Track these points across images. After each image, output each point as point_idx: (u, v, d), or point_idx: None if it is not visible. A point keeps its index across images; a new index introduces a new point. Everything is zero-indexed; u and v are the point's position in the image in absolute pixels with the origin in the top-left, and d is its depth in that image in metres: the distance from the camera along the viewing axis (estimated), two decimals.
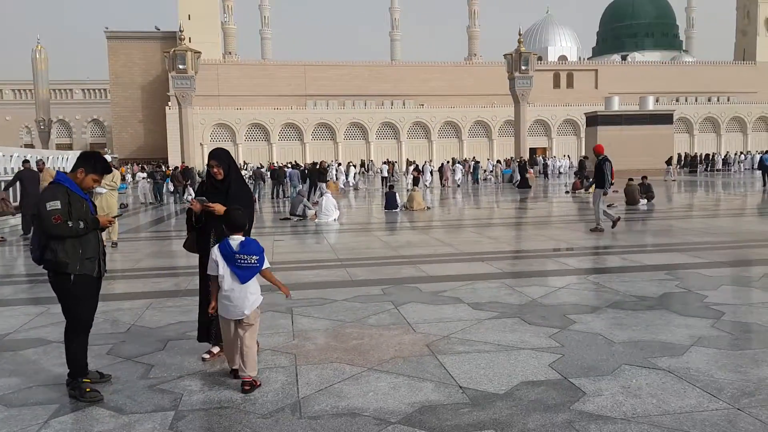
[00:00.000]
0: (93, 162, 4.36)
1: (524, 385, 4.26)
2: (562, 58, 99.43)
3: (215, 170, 4.87)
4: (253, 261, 4.35)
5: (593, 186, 13.71)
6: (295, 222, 17.14)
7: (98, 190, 11.28)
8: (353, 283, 8.04)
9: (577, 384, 4.25)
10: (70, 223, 4.15)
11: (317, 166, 27.00)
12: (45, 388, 4.44)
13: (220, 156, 4.92)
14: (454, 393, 4.17)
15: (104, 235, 12.17)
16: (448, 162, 41.67)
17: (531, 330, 5.63)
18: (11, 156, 18.97)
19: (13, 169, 17.54)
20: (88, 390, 4.21)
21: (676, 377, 4.34)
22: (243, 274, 4.35)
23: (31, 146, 68.10)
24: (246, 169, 54.47)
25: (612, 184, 13.74)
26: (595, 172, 13.52)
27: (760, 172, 29.29)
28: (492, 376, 4.48)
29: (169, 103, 70.09)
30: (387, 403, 4.02)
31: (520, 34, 53.70)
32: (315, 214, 17.56)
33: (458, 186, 35.01)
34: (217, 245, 4.47)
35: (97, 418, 3.91)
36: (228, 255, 4.35)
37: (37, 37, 68.65)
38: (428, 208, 20.49)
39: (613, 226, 12.96)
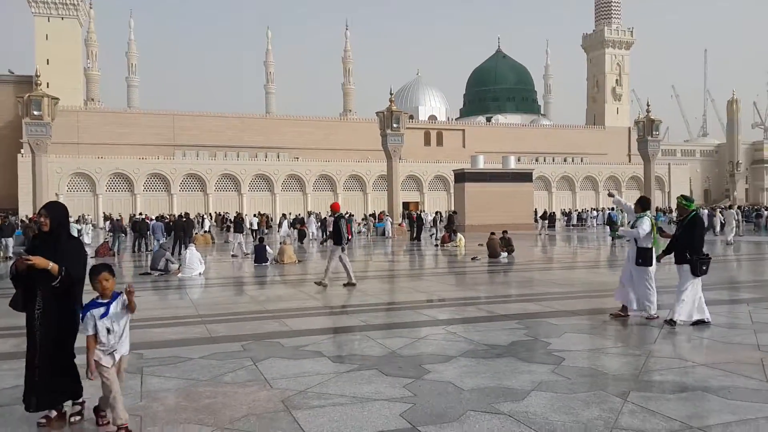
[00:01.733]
0: None
1: None
2: (432, 117, 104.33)
3: (42, 219, 4.65)
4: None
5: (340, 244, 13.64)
6: (156, 276, 16.41)
7: None
8: (211, 340, 7.81)
9: (424, 431, 4.38)
10: None
11: (183, 219, 26.16)
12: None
13: (50, 207, 4.78)
14: None
15: None
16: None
17: (387, 381, 5.74)
18: None
19: None
20: None
21: (515, 420, 4.60)
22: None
23: None
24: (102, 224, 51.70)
25: (349, 240, 14.34)
26: (333, 230, 13.81)
27: (608, 227, 32.08)
28: (344, 428, 4.50)
29: (22, 151, 65.30)
30: None
31: (391, 93, 55.75)
32: (178, 269, 16.93)
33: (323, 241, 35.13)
34: (84, 309, 4.57)
35: None
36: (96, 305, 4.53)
37: None
38: (299, 261, 20.41)
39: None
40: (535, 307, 10.20)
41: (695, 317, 8.29)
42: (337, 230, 13.55)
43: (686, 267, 8.30)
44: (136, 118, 77.76)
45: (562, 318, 9.07)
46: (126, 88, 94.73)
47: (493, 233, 21.78)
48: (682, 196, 8.93)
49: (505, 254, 21.02)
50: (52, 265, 4.42)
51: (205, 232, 37.77)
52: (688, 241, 8.36)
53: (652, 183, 51.73)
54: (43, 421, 4.63)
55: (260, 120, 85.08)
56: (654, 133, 50.30)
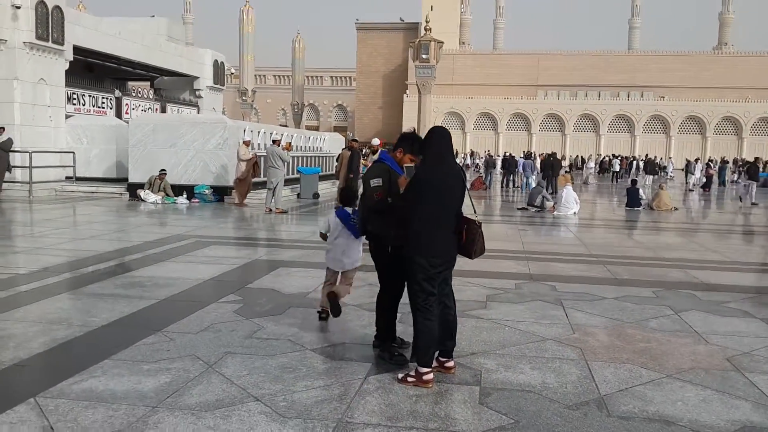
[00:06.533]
0: (411, 143, 4.65)
1: None
2: None
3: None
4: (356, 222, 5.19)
5: None
6: (533, 213, 16.92)
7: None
8: (618, 282, 7.70)
9: None
10: (389, 200, 4.47)
11: (551, 158, 26.31)
12: (355, 346, 4.89)
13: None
14: None
15: None
16: (697, 160, 38.14)
17: None
18: (271, 133, 21.17)
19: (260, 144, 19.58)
20: (396, 354, 4.54)
21: None
22: (355, 231, 5.27)
23: (285, 126, 75.88)
24: (474, 158, 55.18)
25: None
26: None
27: None
28: None
29: (407, 91, 73.29)
30: (701, 416, 3.76)
31: None
32: (553, 206, 17.17)
33: (705, 188, 31.73)
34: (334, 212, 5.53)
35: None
36: (344, 216, 5.38)
37: (297, 28, 75.77)
38: (675, 209, 18.94)
39: None
40: None
41: None
42: None
43: None
44: (503, 59, 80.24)
45: None
46: (493, 31, 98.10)
47: None
48: None
49: None
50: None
51: (566, 172, 37.65)
52: None
53: None
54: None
55: (623, 57, 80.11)
56: None
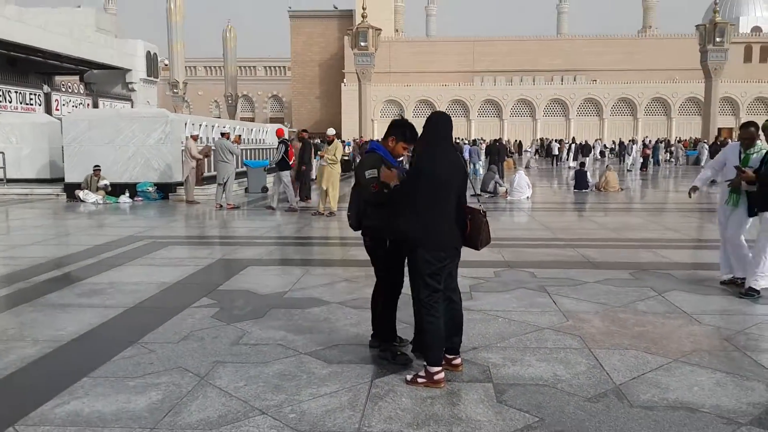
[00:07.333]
0: (403, 130, 4.40)
1: None
2: (756, 29, 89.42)
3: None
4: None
5: None
6: (486, 198, 16.96)
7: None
8: (593, 265, 7.69)
9: None
10: (386, 191, 4.22)
11: (497, 143, 26.59)
12: (350, 347, 4.63)
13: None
14: None
15: (321, 205, 12.84)
16: (632, 141, 39.36)
17: None
18: (212, 126, 20.56)
19: (212, 138, 19.03)
20: (399, 353, 4.31)
21: None
22: None
23: (219, 118, 73.99)
24: None
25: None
26: None
27: None
28: None
29: (345, 80, 72.62)
30: (722, 401, 3.69)
31: (716, 3, 49.03)
32: (506, 192, 17.26)
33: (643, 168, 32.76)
34: None
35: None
36: None
37: (227, 17, 73.86)
38: (622, 189, 19.40)
39: None
40: None
41: None
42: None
43: None
44: (439, 46, 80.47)
45: None
46: (425, 18, 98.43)
47: None
48: None
49: None
50: None
51: (508, 156, 38.17)
52: None
53: None
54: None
55: (555, 41, 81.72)
56: None
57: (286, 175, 13.80)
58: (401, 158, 4.49)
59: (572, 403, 3.66)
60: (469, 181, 4.10)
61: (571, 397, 3.74)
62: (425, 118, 4.10)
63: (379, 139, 4.61)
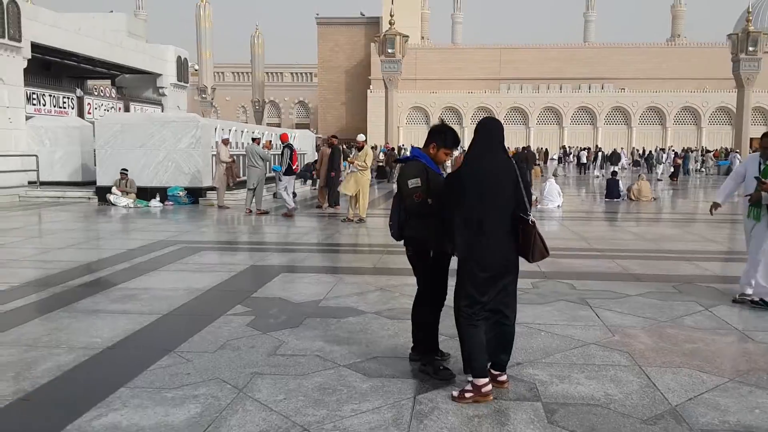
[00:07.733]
0: (443, 136, 4.27)
1: None
2: None
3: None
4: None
5: None
6: None
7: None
8: (634, 277, 7.46)
9: None
10: (429, 201, 4.09)
11: (524, 151, 26.28)
12: (389, 360, 4.50)
13: None
14: None
15: (350, 212, 12.74)
16: (663, 150, 38.70)
17: None
18: (242, 131, 20.63)
19: (241, 143, 19.11)
20: (441, 368, 4.17)
21: None
22: None
23: (247, 124, 74.50)
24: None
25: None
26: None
27: None
28: None
29: (371, 87, 72.69)
30: None
31: (749, 12, 48.11)
32: (536, 200, 17.01)
33: (673, 177, 32.20)
34: None
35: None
36: None
37: (256, 23, 74.52)
38: (654, 199, 19.03)
39: None
40: None
41: None
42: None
43: None
44: (465, 53, 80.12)
45: None
46: (451, 25, 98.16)
47: None
48: None
49: None
50: None
51: (536, 164, 37.85)
52: None
53: None
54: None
55: (582, 49, 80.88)
56: None
57: (286, 180, 13.99)
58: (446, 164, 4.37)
59: (628, 426, 3.48)
60: (521, 188, 3.92)
61: (626, 419, 3.56)
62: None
63: (420, 147, 4.47)
